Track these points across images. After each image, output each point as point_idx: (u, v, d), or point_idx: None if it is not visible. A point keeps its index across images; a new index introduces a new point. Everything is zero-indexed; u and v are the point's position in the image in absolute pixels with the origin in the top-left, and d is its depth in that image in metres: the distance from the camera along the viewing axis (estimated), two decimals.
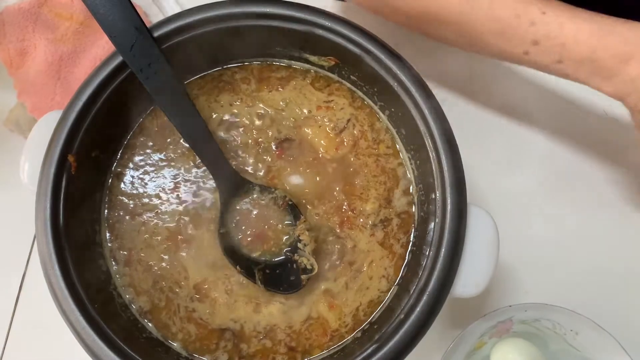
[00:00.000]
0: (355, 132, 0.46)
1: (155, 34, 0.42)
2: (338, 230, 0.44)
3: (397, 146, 0.46)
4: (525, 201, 0.54)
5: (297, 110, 0.46)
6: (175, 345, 0.42)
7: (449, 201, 0.39)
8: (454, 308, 0.51)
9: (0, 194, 0.56)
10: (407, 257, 0.44)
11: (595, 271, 0.52)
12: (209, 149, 0.43)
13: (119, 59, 0.42)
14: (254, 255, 0.43)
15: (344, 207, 0.44)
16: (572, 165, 0.55)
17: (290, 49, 0.46)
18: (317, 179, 0.45)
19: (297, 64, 0.47)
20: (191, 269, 0.44)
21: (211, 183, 0.45)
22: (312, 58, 0.46)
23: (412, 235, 0.44)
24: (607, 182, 0.55)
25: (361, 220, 0.44)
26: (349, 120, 0.46)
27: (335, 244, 0.44)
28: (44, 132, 0.41)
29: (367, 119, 0.46)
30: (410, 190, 0.45)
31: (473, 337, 0.46)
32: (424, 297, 0.38)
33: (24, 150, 0.42)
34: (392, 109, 0.45)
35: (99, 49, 0.53)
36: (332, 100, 0.47)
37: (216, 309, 0.43)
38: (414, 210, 0.45)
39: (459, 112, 0.56)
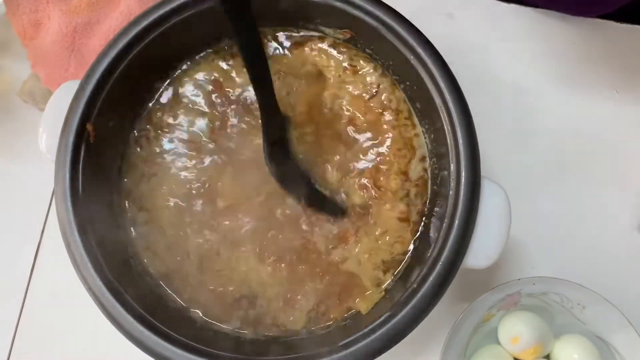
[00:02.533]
0: (383, 100, 0.46)
1: None
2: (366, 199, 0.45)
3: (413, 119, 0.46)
4: (535, 176, 0.54)
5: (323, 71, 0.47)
6: (192, 311, 0.43)
7: (463, 174, 0.39)
8: (463, 281, 0.51)
9: (14, 164, 0.56)
10: (420, 229, 0.44)
11: (603, 246, 0.53)
12: (263, 70, 0.41)
13: (137, 29, 0.42)
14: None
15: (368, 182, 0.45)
16: (583, 142, 0.55)
17: (305, 21, 0.46)
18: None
19: (314, 35, 0.47)
20: (206, 238, 0.45)
21: (229, 145, 0.46)
22: (328, 30, 0.46)
23: (426, 207, 0.45)
24: (618, 159, 0.55)
25: (389, 194, 0.45)
26: (379, 86, 0.46)
27: (361, 216, 0.45)
28: (61, 101, 0.42)
29: (389, 87, 0.47)
30: (426, 164, 0.45)
31: (481, 310, 0.47)
32: (437, 268, 0.38)
33: (41, 120, 0.43)
34: (408, 83, 0.45)
35: (113, 21, 0.53)
36: (355, 66, 0.47)
37: (226, 279, 0.44)
38: (428, 182, 0.45)
39: (471, 87, 0.56)
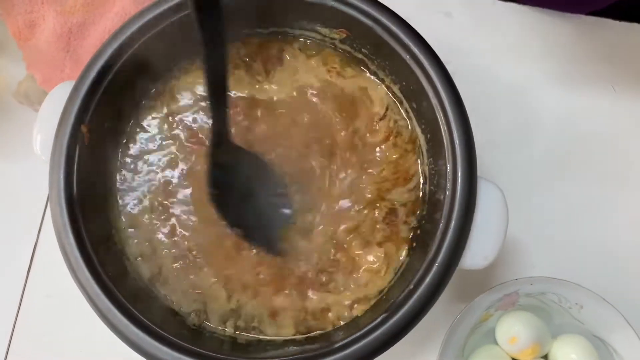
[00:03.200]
0: (390, 124, 0.46)
1: None
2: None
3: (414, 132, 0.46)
4: (533, 176, 0.54)
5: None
6: (186, 313, 0.43)
7: (459, 174, 0.39)
8: (460, 281, 0.51)
9: (10, 165, 0.56)
10: (417, 231, 0.44)
11: (601, 246, 0.52)
12: (221, 100, 0.42)
13: (132, 29, 0.42)
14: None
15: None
16: (581, 141, 0.55)
17: (301, 22, 0.46)
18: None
19: (310, 34, 0.47)
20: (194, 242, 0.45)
21: None
22: (323, 30, 0.46)
23: (422, 209, 0.44)
24: (616, 157, 0.55)
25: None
26: (387, 108, 0.46)
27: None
28: (56, 103, 0.42)
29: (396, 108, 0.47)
30: (420, 171, 0.45)
31: (479, 310, 0.47)
32: (434, 269, 0.38)
33: (36, 122, 0.42)
34: (404, 83, 0.44)
35: (109, 21, 0.53)
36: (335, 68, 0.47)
37: (215, 283, 0.44)
38: (422, 187, 0.45)
39: (469, 86, 0.56)
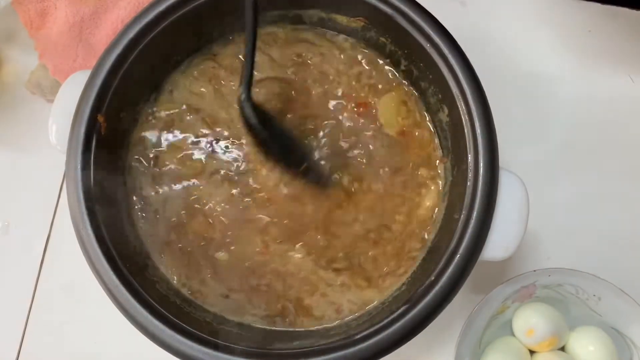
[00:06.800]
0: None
1: None
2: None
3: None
4: (550, 166, 0.54)
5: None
6: (205, 306, 0.43)
7: (481, 164, 0.38)
8: (478, 272, 0.50)
9: (22, 156, 0.56)
10: (439, 222, 0.44)
11: (619, 237, 0.52)
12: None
13: (146, 19, 0.41)
14: None
15: None
16: (598, 132, 0.54)
17: (319, 10, 0.45)
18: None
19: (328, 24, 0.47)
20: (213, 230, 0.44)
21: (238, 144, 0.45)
22: (341, 19, 0.45)
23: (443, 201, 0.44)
24: (634, 149, 0.54)
25: None
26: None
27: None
28: (71, 93, 0.41)
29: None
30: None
31: (496, 301, 0.46)
32: (455, 260, 0.38)
33: (51, 112, 0.42)
34: (424, 71, 0.44)
35: (121, 10, 0.52)
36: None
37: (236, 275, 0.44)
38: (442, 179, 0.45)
39: (485, 75, 0.55)
